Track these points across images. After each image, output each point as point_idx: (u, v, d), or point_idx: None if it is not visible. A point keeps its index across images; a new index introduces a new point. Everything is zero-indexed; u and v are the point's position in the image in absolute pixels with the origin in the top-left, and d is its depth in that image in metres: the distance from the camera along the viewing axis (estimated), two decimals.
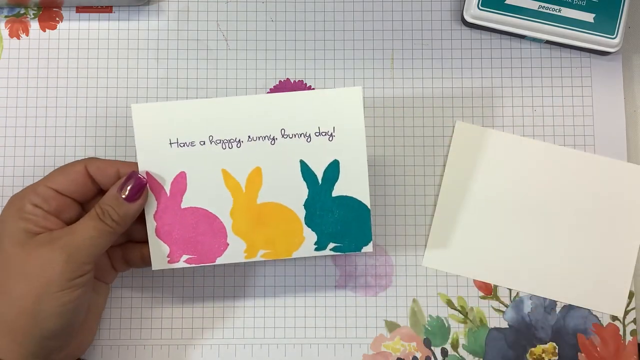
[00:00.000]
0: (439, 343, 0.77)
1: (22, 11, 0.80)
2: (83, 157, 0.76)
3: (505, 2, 0.77)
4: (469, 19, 0.78)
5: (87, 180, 0.66)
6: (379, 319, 0.77)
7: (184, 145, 0.66)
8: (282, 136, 0.66)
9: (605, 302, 0.77)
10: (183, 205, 0.67)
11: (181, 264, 0.68)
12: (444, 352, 0.76)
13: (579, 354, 0.76)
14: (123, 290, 0.77)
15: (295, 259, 0.77)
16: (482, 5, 0.77)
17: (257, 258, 0.68)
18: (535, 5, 0.77)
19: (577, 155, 0.78)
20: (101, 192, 0.68)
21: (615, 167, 0.78)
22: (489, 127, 0.79)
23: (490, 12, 0.77)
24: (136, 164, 0.66)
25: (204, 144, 0.66)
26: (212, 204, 0.67)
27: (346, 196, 0.67)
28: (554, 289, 0.77)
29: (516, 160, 0.78)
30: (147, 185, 0.66)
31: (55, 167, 0.72)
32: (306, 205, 0.67)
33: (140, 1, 0.79)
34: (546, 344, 0.76)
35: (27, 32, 0.80)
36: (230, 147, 0.66)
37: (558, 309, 0.77)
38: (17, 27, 0.80)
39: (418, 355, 0.76)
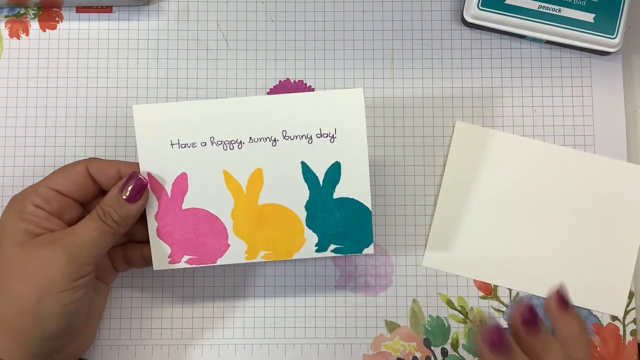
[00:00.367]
0: (439, 343, 0.77)
1: (22, 11, 0.80)
2: (83, 157, 0.77)
3: (505, 2, 0.77)
4: (469, 19, 0.78)
5: (88, 180, 0.66)
6: (379, 319, 0.77)
7: (185, 146, 0.66)
8: (284, 137, 0.66)
9: (605, 302, 0.77)
10: (184, 206, 0.67)
11: (182, 264, 0.68)
12: (444, 352, 0.76)
13: None
14: (123, 290, 0.77)
15: (295, 259, 0.77)
16: (482, 5, 0.77)
17: (258, 259, 0.68)
18: (535, 5, 0.77)
19: (577, 155, 0.78)
20: (102, 192, 0.68)
21: (615, 167, 0.78)
22: (489, 127, 0.79)
23: (490, 12, 0.77)
24: (137, 164, 0.66)
25: (205, 145, 0.66)
26: (213, 204, 0.67)
27: (347, 198, 0.67)
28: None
29: (516, 160, 0.78)
30: (148, 186, 0.66)
31: (56, 167, 0.73)
32: (307, 206, 0.67)
33: (140, 1, 0.79)
34: None
35: (27, 32, 0.80)
36: (232, 148, 0.66)
37: None
38: (17, 27, 0.80)
39: (418, 355, 0.76)
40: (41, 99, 0.79)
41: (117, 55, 0.80)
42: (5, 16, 0.80)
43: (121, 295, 0.77)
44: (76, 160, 0.70)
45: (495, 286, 0.77)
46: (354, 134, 0.66)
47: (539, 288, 0.77)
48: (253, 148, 0.66)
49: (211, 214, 0.67)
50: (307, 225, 0.68)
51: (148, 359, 0.76)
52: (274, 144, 0.66)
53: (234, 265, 0.77)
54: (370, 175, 0.77)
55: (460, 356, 0.76)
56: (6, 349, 0.61)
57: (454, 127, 0.79)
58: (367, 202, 0.67)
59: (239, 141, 0.66)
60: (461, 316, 0.77)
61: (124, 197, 0.64)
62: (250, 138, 0.66)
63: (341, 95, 0.66)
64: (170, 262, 0.68)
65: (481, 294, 0.77)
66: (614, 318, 0.77)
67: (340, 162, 0.66)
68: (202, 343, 0.76)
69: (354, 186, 0.67)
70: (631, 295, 0.77)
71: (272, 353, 0.76)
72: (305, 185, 0.67)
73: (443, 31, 0.80)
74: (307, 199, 0.67)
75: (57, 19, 0.80)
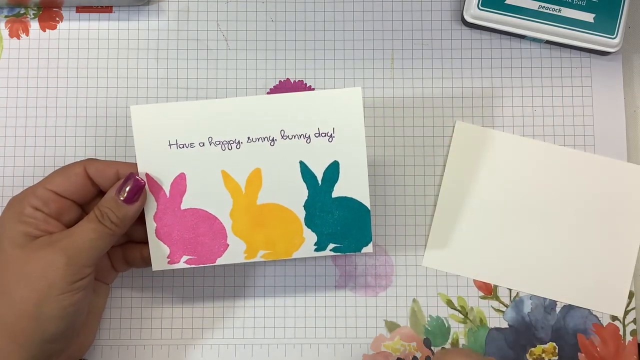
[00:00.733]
0: (439, 343, 0.77)
1: (22, 11, 0.80)
2: (83, 157, 0.77)
3: (505, 2, 0.77)
4: (469, 19, 0.78)
5: (87, 181, 0.66)
6: (379, 319, 0.77)
7: (183, 147, 0.66)
8: (282, 137, 0.66)
9: (605, 302, 0.77)
10: (183, 206, 0.67)
11: (181, 264, 0.68)
12: None
13: (579, 354, 0.76)
14: (123, 290, 0.77)
15: (295, 259, 0.77)
16: (482, 5, 0.77)
17: (257, 259, 0.68)
18: (535, 5, 0.77)
19: (577, 155, 0.78)
20: (101, 193, 0.67)
21: (615, 167, 0.78)
22: (489, 127, 0.79)
23: (490, 12, 0.77)
24: (136, 164, 0.66)
25: (204, 145, 0.66)
26: (212, 205, 0.67)
27: (346, 197, 0.67)
28: (554, 289, 0.77)
29: (516, 160, 0.78)
30: (146, 186, 0.66)
31: (55, 168, 0.73)
32: (306, 206, 0.67)
33: (140, 1, 0.79)
34: (546, 344, 0.76)
35: (27, 32, 0.80)
36: (230, 148, 0.66)
37: (558, 309, 0.77)
38: (17, 27, 0.80)
39: (418, 355, 0.76)
40: (41, 99, 0.79)
41: (117, 55, 0.80)
42: (5, 16, 0.80)
43: (121, 295, 0.77)
44: (76, 160, 0.70)
45: (495, 286, 0.77)
46: (353, 133, 0.66)
47: (539, 288, 0.77)
48: (251, 148, 0.66)
49: (210, 214, 0.67)
50: (306, 224, 0.68)
51: (148, 359, 0.76)
52: (272, 143, 0.66)
53: (234, 265, 0.77)
54: (370, 175, 0.77)
55: None
56: (6, 350, 0.61)
57: (454, 127, 0.79)
58: (366, 201, 0.67)
59: (237, 141, 0.66)
60: (461, 316, 0.77)
61: (122, 198, 0.64)
62: (249, 138, 0.66)
63: (339, 94, 0.66)
64: (169, 263, 0.68)
65: (481, 294, 0.77)
66: (614, 318, 0.77)
67: (339, 161, 0.66)
68: (202, 343, 0.76)
69: (352, 185, 0.67)
70: (631, 295, 0.77)
71: (272, 353, 0.76)
72: (304, 185, 0.67)
73: (443, 31, 0.80)
74: (306, 198, 0.67)
75: (57, 19, 0.80)
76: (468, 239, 0.77)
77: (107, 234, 0.63)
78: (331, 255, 0.75)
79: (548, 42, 0.79)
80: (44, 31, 0.80)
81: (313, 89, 0.79)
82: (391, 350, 0.76)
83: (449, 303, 0.77)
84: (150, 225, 0.67)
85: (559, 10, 0.77)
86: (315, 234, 0.68)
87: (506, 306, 0.77)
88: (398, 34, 0.80)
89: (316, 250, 0.68)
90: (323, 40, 0.80)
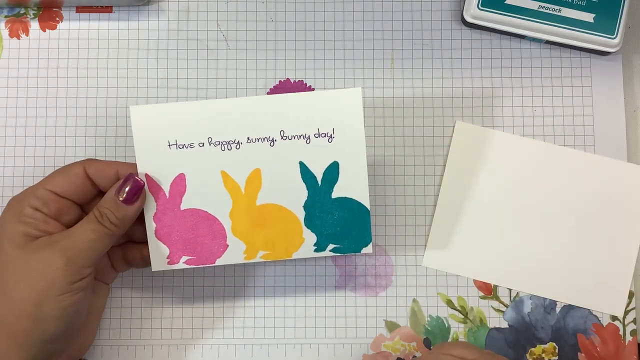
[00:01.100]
0: (439, 343, 0.77)
1: (22, 11, 0.80)
2: (83, 157, 0.77)
3: (505, 2, 0.77)
4: (469, 19, 0.78)
5: (87, 182, 0.66)
6: (379, 319, 0.77)
7: (182, 147, 0.66)
8: (282, 138, 0.66)
9: (605, 302, 0.77)
10: (182, 207, 0.67)
11: (181, 265, 0.68)
12: None
13: (579, 354, 0.76)
14: (123, 290, 0.77)
15: (295, 259, 0.77)
16: (482, 5, 0.77)
17: (257, 259, 0.68)
18: (535, 5, 0.77)
19: (577, 155, 0.78)
20: (101, 193, 0.67)
21: (615, 167, 0.78)
22: (489, 127, 0.79)
23: (490, 12, 0.77)
24: (135, 165, 0.66)
25: (203, 145, 0.66)
26: (212, 205, 0.67)
27: (346, 197, 0.67)
28: (554, 289, 0.77)
29: (516, 160, 0.78)
30: (146, 187, 0.66)
31: (55, 168, 0.73)
32: (306, 206, 0.67)
33: (140, 1, 0.79)
34: (546, 344, 0.76)
35: (27, 32, 0.80)
36: (230, 148, 0.66)
37: (558, 309, 0.77)
38: (17, 27, 0.80)
39: (418, 355, 0.76)
40: (41, 99, 0.79)
41: (117, 55, 0.80)
42: (5, 16, 0.80)
43: (121, 295, 0.77)
44: (76, 160, 0.70)
45: (495, 286, 0.77)
46: (352, 133, 0.66)
47: (539, 288, 0.77)
48: (251, 148, 0.66)
49: (209, 214, 0.67)
50: (305, 225, 0.68)
51: (148, 359, 0.76)
52: (272, 144, 0.66)
53: (234, 265, 0.77)
54: (370, 175, 0.77)
55: None
56: (6, 351, 0.61)
57: (454, 127, 0.79)
58: (366, 201, 0.67)
59: (236, 141, 0.66)
60: (461, 316, 0.77)
61: (121, 198, 0.64)
62: (248, 138, 0.66)
63: (339, 94, 0.66)
64: (168, 263, 0.68)
65: (481, 294, 0.77)
66: (614, 318, 0.77)
67: (339, 162, 0.66)
68: (202, 343, 0.76)
69: (352, 186, 0.67)
70: (631, 295, 0.77)
71: (272, 353, 0.76)
72: (304, 185, 0.67)
73: (443, 31, 0.80)
74: (306, 198, 0.67)
75: (57, 19, 0.80)
76: (468, 239, 0.77)
77: (107, 234, 0.63)
78: (331, 256, 0.75)
79: (548, 42, 0.79)
80: (44, 31, 0.80)
81: (313, 89, 0.79)
82: (391, 350, 0.76)
83: (449, 303, 0.77)
84: (150, 225, 0.67)
85: (559, 10, 0.77)
86: (315, 234, 0.68)
87: (506, 306, 0.77)
88: (398, 34, 0.80)
89: (316, 250, 0.68)
90: (323, 40, 0.80)
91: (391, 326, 0.77)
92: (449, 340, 0.76)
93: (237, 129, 0.66)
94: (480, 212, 0.77)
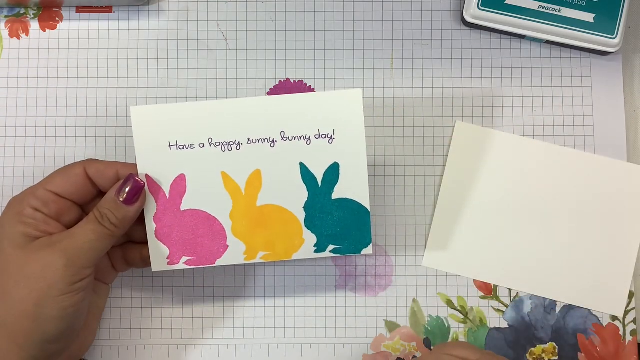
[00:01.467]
0: (439, 343, 0.77)
1: (22, 11, 0.80)
2: (83, 158, 0.77)
3: (505, 2, 0.77)
4: (469, 19, 0.78)
5: (87, 182, 0.66)
6: (379, 319, 0.77)
7: (183, 148, 0.66)
8: (282, 139, 0.66)
9: (605, 302, 0.77)
10: (183, 208, 0.67)
11: (181, 265, 0.68)
12: None
13: (579, 354, 0.76)
14: (123, 290, 0.77)
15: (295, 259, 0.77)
16: (482, 5, 0.77)
17: (257, 260, 0.68)
18: (535, 5, 0.77)
19: (577, 155, 0.78)
20: (101, 194, 0.68)
21: (615, 167, 0.78)
22: (489, 127, 0.79)
23: (490, 12, 0.77)
24: (135, 165, 0.66)
25: (204, 146, 0.66)
26: (212, 206, 0.67)
27: (346, 198, 0.67)
28: (554, 289, 0.77)
29: (516, 160, 0.78)
30: (146, 187, 0.66)
31: (55, 168, 0.73)
32: (306, 207, 0.67)
33: (140, 1, 0.79)
34: (546, 344, 0.76)
35: (27, 32, 0.80)
36: (230, 149, 0.66)
37: (558, 309, 0.77)
38: (17, 27, 0.80)
39: (418, 355, 0.76)
40: (41, 99, 0.79)
41: (117, 55, 0.80)
42: (5, 16, 0.80)
43: (121, 295, 0.77)
44: (76, 160, 0.70)
45: (495, 286, 0.77)
46: (353, 134, 0.66)
47: (539, 288, 0.77)
48: (251, 149, 0.66)
49: (210, 215, 0.67)
50: (305, 226, 0.68)
51: (148, 359, 0.76)
52: (272, 145, 0.66)
53: (234, 265, 0.77)
54: (370, 176, 0.77)
55: None
56: (6, 351, 0.61)
57: (454, 127, 0.79)
58: (366, 202, 0.67)
59: (237, 142, 0.66)
60: (461, 316, 0.77)
61: (121, 199, 0.64)
62: (249, 139, 0.66)
63: (340, 95, 0.66)
64: (168, 264, 0.68)
65: (481, 294, 0.77)
66: (614, 318, 0.77)
67: (339, 163, 0.66)
68: (202, 343, 0.76)
69: (352, 187, 0.67)
70: (631, 295, 0.77)
71: (272, 353, 0.76)
72: (304, 186, 0.67)
73: (443, 31, 0.80)
74: (306, 199, 0.67)
75: (57, 19, 0.80)
76: (468, 239, 0.77)
77: (107, 235, 0.63)
78: (331, 256, 0.76)
79: (548, 42, 0.79)
80: (44, 31, 0.80)
81: (313, 89, 0.79)
82: (391, 350, 0.76)
83: (449, 303, 0.77)
84: (150, 226, 0.67)
85: (559, 10, 0.77)
86: (315, 235, 0.68)
87: (506, 306, 0.77)
88: (398, 34, 0.80)
89: (316, 251, 0.68)
90: (323, 40, 0.80)
91: (391, 326, 0.77)
92: (449, 340, 0.76)
93: (237, 130, 0.66)
94: (480, 212, 0.77)
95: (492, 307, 0.77)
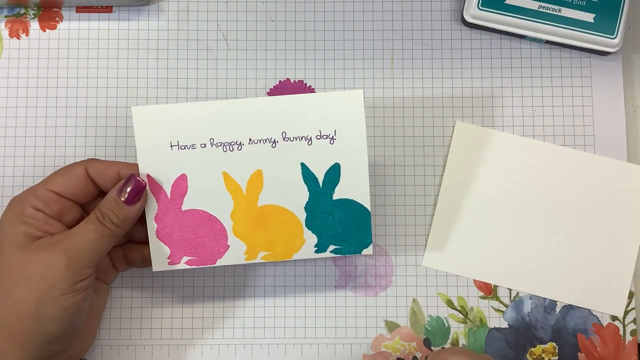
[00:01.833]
0: (439, 343, 0.77)
1: (22, 11, 0.80)
2: (83, 157, 0.77)
3: (505, 2, 0.77)
4: (469, 19, 0.78)
5: (88, 182, 0.66)
6: (379, 319, 0.77)
7: (184, 148, 0.66)
8: (283, 139, 0.66)
9: (605, 302, 0.77)
10: (184, 208, 0.67)
11: (182, 265, 0.68)
12: None
13: (579, 354, 0.76)
14: (123, 290, 0.77)
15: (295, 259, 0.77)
16: (482, 5, 0.77)
17: (258, 260, 0.68)
18: (535, 5, 0.77)
19: (577, 155, 0.78)
20: (102, 193, 0.68)
21: (615, 167, 0.78)
22: (489, 127, 0.79)
23: (490, 12, 0.77)
24: (137, 165, 0.66)
25: (205, 146, 0.66)
26: (213, 206, 0.67)
27: (347, 199, 0.67)
28: (554, 289, 0.77)
29: (516, 160, 0.78)
30: (147, 187, 0.66)
31: (56, 168, 0.73)
32: (307, 207, 0.67)
33: (140, 1, 0.79)
34: (546, 344, 0.76)
35: (27, 32, 0.80)
36: (231, 149, 0.66)
37: (558, 309, 0.77)
38: (17, 27, 0.80)
39: (418, 355, 0.76)
40: (41, 99, 0.79)
41: (117, 55, 0.80)
42: (5, 16, 0.80)
43: (121, 295, 0.77)
44: (76, 160, 0.70)
45: (495, 286, 0.77)
46: (354, 135, 0.66)
47: (539, 288, 0.77)
48: (253, 149, 0.66)
49: (211, 215, 0.67)
50: (306, 226, 0.68)
51: (148, 359, 0.76)
52: (273, 145, 0.66)
53: (234, 265, 0.77)
54: (370, 176, 0.77)
55: None
56: (7, 351, 0.61)
57: (454, 127, 0.79)
58: (367, 203, 0.67)
59: (238, 142, 0.66)
60: (461, 316, 0.77)
61: (122, 199, 0.64)
62: (250, 139, 0.66)
63: (341, 96, 0.66)
64: (169, 263, 0.68)
65: (481, 294, 0.77)
66: (614, 318, 0.77)
67: (340, 164, 0.67)
68: (202, 343, 0.76)
69: (353, 187, 0.67)
70: (631, 295, 0.77)
71: (272, 353, 0.76)
72: (305, 187, 0.67)
73: (443, 31, 0.80)
74: (307, 200, 0.67)
75: (57, 19, 0.80)
76: (468, 239, 0.77)
77: (108, 234, 0.63)
78: (331, 257, 0.76)
79: (548, 42, 0.79)
80: (44, 31, 0.80)
81: (313, 89, 0.79)
82: (391, 350, 0.76)
83: (449, 303, 0.77)
84: (151, 226, 0.67)
85: (559, 10, 0.77)
86: (316, 235, 0.68)
87: (506, 306, 0.77)
88: (398, 34, 0.80)
89: (316, 251, 0.68)
90: (323, 40, 0.80)
91: (391, 326, 0.77)
92: (449, 340, 0.77)
93: (239, 130, 0.66)
94: (480, 212, 0.77)
95: (492, 307, 0.77)
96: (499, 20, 0.77)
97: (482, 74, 0.80)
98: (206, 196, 0.67)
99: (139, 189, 0.64)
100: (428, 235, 0.78)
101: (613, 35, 0.76)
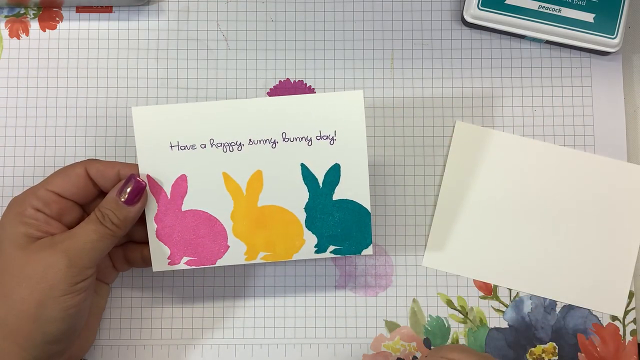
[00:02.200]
0: (439, 343, 0.77)
1: (22, 11, 0.80)
2: (83, 158, 0.77)
3: (505, 2, 0.77)
4: (469, 19, 0.78)
5: (88, 182, 0.66)
6: (379, 319, 0.77)
7: (184, 148, 0.66)
8: (283, 140, 0.66)
9: (605, 302, 0.77)
10: (184, 208, 0.67)
11: (181, 265, 0.68)
12: None
13: (578, 354, 0.76)
14: (123, 290, 0.77)
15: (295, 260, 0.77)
16: (482, 5, 0.77)
17: (257, 260, 0.68)
18: (535, 5, 0.77)
19: (577, 155, 0.78)
20: (102, 193, 0.68)
21: (615, 167, 0.78)
22: (489, 127, 0.79)
23: (490, 12, 0.77)
24: (137, 165, 0.66)
25: (205, 147, 0.66)
26: (213, 206, 0.67)
27: (347, 199, 0.67)
28: (554, 289, 0.77)
29: (516, 160, 0.78)
30: (147, 188, 0.66)
31: (56, 168, 0.73)
32: (307, 208, 0.67)
33: (140, 1, 0.79)
34: (546, 344, 0.76)
35: (27, 32, 0.80)
36: (231, 150, 0.66)
37: (558, 309, 0.77)
38: (17, 27, 0.80)
39: (418, 355, 0.76)
40: (41, 99, 0.79)
41: (117, 55, 0.80)
42: (5, 16, 0.80)
43: (121, 295, 0.77)
44: (76, 160, 0.70)
45: (495, 286, 0.77)
46: (354, 135, 0.66)
47: (539, 288, 0.77)
48: (253, 150, 0.66)
49: (211, 215, 0.67)
50: (306, 226, 0.68)
51: (148, 359, 0.76)
52: (273, 145, 0.66)
53: (234, 265, 0.77)
54: (370, 176, 0.77)
55: None
56: (7, 352, 0.61)
57: (454, 127, 0.79)
58: (367, 203, 0.67)
59: (238, 143, 0.66)
60: (461, 316, 0.77)
61: (123, 199, 0.64)
62: (250, 140, 0.66)
63: (341, 97, 0.66)
64: (169, 264, 0.68)
65: (481, 294, 0.77)
66: (614, 318, 0.77)
67: (340, 164, 0.67)
68: (202, 343, 0.76)
69: (353, 188, 0.67)
70: (631, 295, 0.77)
71: (272, 353, 0.76)
72: (305, 187, 0.67)
73: (443, 31, 0.80)
74: (307, 200, 0.67)
75: (57, 19, 0.80)
76: (468, 239, 0.77)
77: (108, 235, 0.63)
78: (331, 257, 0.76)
79: (548, 42, 0.79)
80: (44, 31, 0.80)
81: (313, 89, 0.79)
82: (391, 350, 0.76)
83: (449, 303, 0.77)
84: (151, 226, 0.67)
85: (559, 10, 0.77)
86: (316, 236, 0.68)
87: (506, 306, 0.77)
88: (398, 34, 0.80)
89: (316, 252, 0.68)
90: (323, 40, 0.80)
91: (391, 326, 0.77)
92: (449, 340, 0.77)
93: (239, 131, 0.66)
94: (480, 212, 0.77)
95: (492, 307, 0.77)
96: (499, 20, 0.77)
97: (482, 74, 0.80)
98: (206, 196, 0.67)
99: (139, 189, 0.64)
100: (428, 235, 0.78)
101: (613, 35, 0.76)
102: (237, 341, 0.77)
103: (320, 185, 0.67)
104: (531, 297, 0.77)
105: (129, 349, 0.76)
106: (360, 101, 0.66)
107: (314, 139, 0.66)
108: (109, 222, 0.63)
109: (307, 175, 0.67)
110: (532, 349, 0.76)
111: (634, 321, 0.77)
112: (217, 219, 0.67)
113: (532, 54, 0.80)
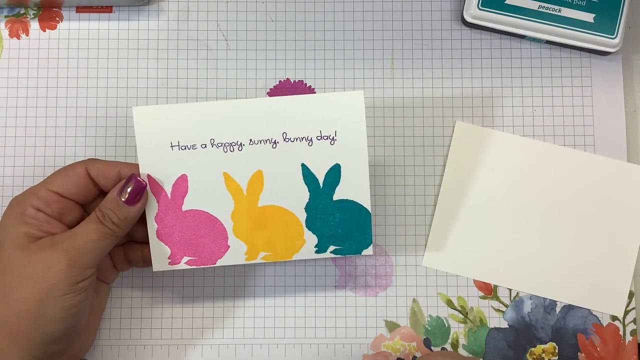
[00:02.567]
0: (439, 343, 0.77)
1: (22, 11, 0.80)
2: (83, 157, 0.77)
3: (505, 2, 0.77)
4: (469, 19, 0.78)
5: (89, 182, 0.66)
6: (379, 319, 0.77)
7: (185, 148, 0.66)
8: (284, 139, 0.66)
9: (605, 302, 0.77)
10: (184, 208, 0.67)
11: (182, 265, 0.68)
12: None
13: (579, 354, 0.76)
14: (123, 290, 0.77)
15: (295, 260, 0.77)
16: (482, 5, 0.77)
17: (258, 260, 0.68)
18: (535, 5, 0.77)
19: (577, 155, 0.78)
20: (102, 193, 0.68)
21: (615, 167, 0.78)
22: (489, 127, 0.79)
23: (490, 12, 0.77)
24: (137, 165, 0.66)
25: (205, 146, 0.66)
26: (213, 206, 0.67)
27: (347, 200, 0.67)
28: (554, 289, 0.77)
29: (516, 160, 0.78)
30: (148, 187, 0.66)
31: (56, 168, 0.73)
32: (307, 208, 0.67)
33: (140, 1, 0.79)
34: (546, 344, 0.76)
35: (27, 32, 0.80)
36: (232, 150, 0.66)
37: (558, 309, 0.77)
38: (17, 27, 0.80)
39: (418, 355, 0.76)
40: (41, 99, 0.79)
41: (117, 55, 0.80)
42: (5, 16, 0.80)
43: (121, 295, 0.77)
44: (76, 160, 0.70)
45: (495, 286, 0.77)
46: (354, 136, 0.66)
47: (539, 288, 0.77)
48: (253, 150, 0.66)
49: (211, 215, 0.67)
50: (306, 226, 0.68)
51: (148, 359, 0.76)
52: (274, 146, 0.66)
53: (234, 265, 0.77)
54: (370, 176, 0.77)
55: None
56: (7, 352, 0.61)
57: (454, 127, 0.79)
58: (367, 203, 0.67)
59: (239, 143, 0.66)
60: (461, 316, 0.77)
61: (123, 199, 0.64)
62: (251, 140, 0.66)
63: (341, 97, 0.66)
64: (169, 264, 0.68)
65: (481, 294, 0.77)
66: (614, 318, 0.77)
67: (340, 164, 0.67)
68: (202, 343, 0.76)
69: (353, 188, 0.67)
70: (631, 295, 0.77)
71: (272, 353, 0.76)
72: (305, 187, 0.67)
73: (443, 31, 0.80)
74: (307, 200, 0.67)
75: (57, 19, 0.80)
76: (468, 239, 0.77)
77: (109, 235, 0.63)
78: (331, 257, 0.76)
79: (548, 42, 0.79)
80: (44, 31, 0.80)
81: (313, 89, 0.79)
82: (391, 350, 0.76)
83: (449, 303, 0.77)
84: (152, 226, 0.67)
85: (559, 10, 0.77)
86: (316, 236, 0.68)
87: (506, 306, 0.77)
88: (398, 34, 0.80)
89: (317, 252, 0.68)
90: (323, 40, 0.80)
91: (391, 326, 0.77)
92: (449, 340, 0.77)
93: (239, 131, 0.66)
94: (480, 212, 0.77)
95: (492, 307, 0.77)
96: (499, 20, 0.77)
97: (482, 74, 0.80)
98: (206, 196, 0.67)
99: (139, 189, 0.64)
100: (428, 235, 0.78)
101: (613, 35, 0.76)
102: (237, 341, 0.77)
103: (321, 185, 0.67)
104: (531, 297, 0.77)
105: (129, 349, 0.76)
106: (360, 101, 0.66)
107: (314, 139, 0.66)
108: (109, 221, 0.63)
109: (308, 175, 0.67)
110: (532, 349, 0.76)
111: (634, 321, 0.77)
112: (217, 219, 0.67)
113: (532, 54, 0.80)
